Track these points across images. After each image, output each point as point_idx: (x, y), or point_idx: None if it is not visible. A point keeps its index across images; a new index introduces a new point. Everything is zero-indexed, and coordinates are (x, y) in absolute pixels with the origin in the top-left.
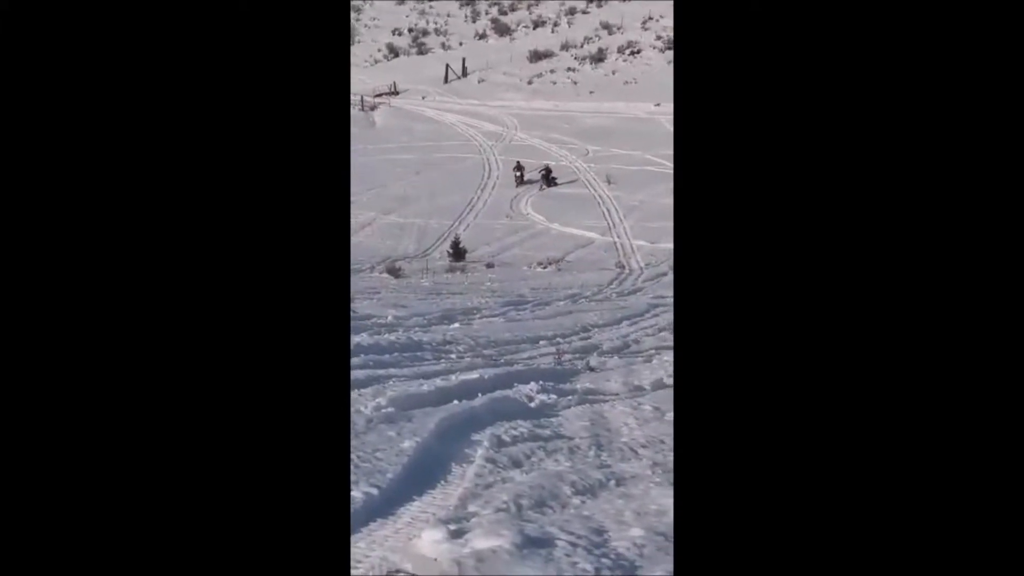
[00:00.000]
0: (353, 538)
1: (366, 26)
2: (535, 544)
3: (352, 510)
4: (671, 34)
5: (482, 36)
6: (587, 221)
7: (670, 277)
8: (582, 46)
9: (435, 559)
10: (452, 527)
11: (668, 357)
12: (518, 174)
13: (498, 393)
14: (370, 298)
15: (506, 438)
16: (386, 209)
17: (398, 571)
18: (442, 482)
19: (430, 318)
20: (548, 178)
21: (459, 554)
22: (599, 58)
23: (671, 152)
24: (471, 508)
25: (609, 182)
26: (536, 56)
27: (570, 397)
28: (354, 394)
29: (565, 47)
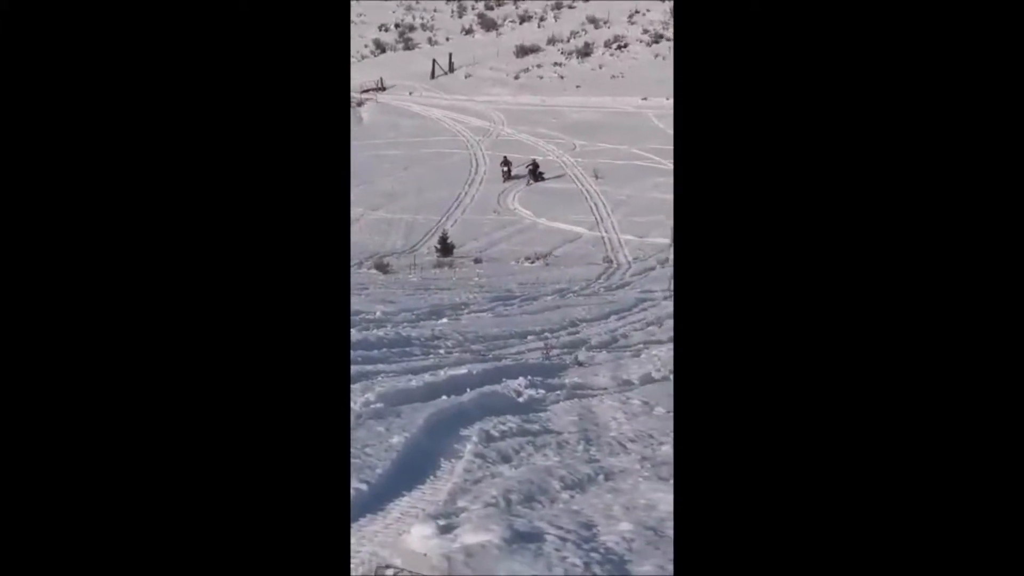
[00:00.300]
0: None
1: (353, 22)
2: (524, 539)
3: None
4: (658, 28)
5: (469, 31)
6: (575, 216)
7: (658, 272)
8: (568, 41)
9: (424, 554)
10: (441, 522)
11: (656, 351)
12: (505, 169)
13: (486, 388)
14: (358, 294)
15: (495, 433)
16: (374, 205)
17: (388, 566)
18: (431, 477)
19: (418, 314)
20: (535, 173)
21: (448, 549)
22: (586, 52)
23: (658, 146)
24: (460, 503)
25: (596, 177)
26: (523, 51)
27: (558, 392)
28: None
29: (552, 42)
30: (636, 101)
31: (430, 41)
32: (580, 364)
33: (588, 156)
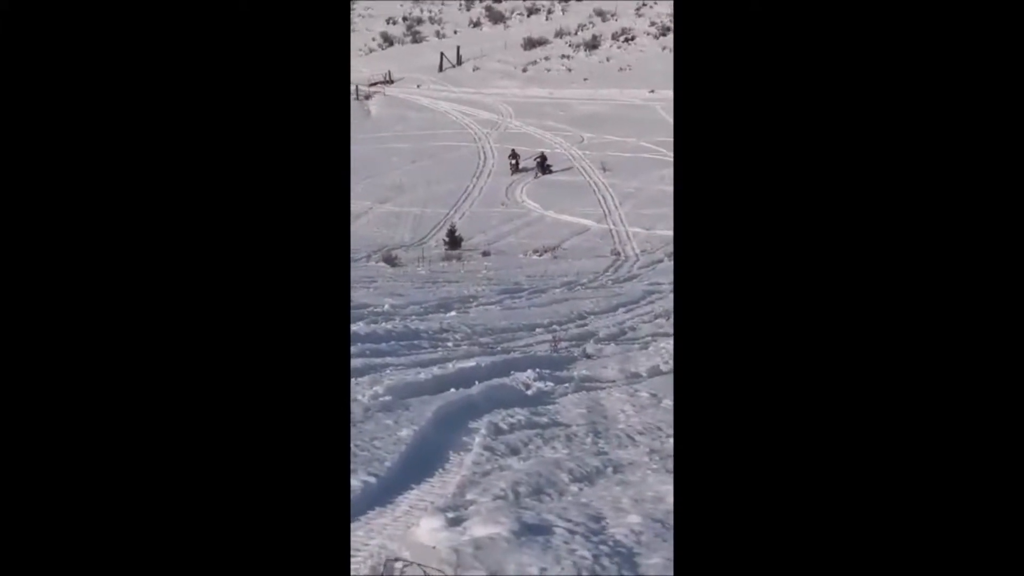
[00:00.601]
0: (352, 526)
1: (360, 15)
2: (533, 531)
3: (351, 498)
4: (665, 20)
5: (476, 24)
6: (582, 208)
7: (666, 264)
8: (576, 33)
9: (433, 547)
10: (450, 515)
11: (664, 344)
12: (513, 162)
13: (495, 381)
14: (367, 287)
15: (503, 426)
16: (382, 198)
17: (396, 559)
18: (440, 470)
19: (427, 306)
20: (543, 166)
21: (457, 542)
22: (593, 45)
23: (666, 139)
24: (469, 496)
25: (604, 169)
26: (530, 44)
27: (567, 384)
28: (352, 383)
29: (559, 34)
30: (643, 94)
31: (438, 34)
32: (588, 357)
33: (596, 149)
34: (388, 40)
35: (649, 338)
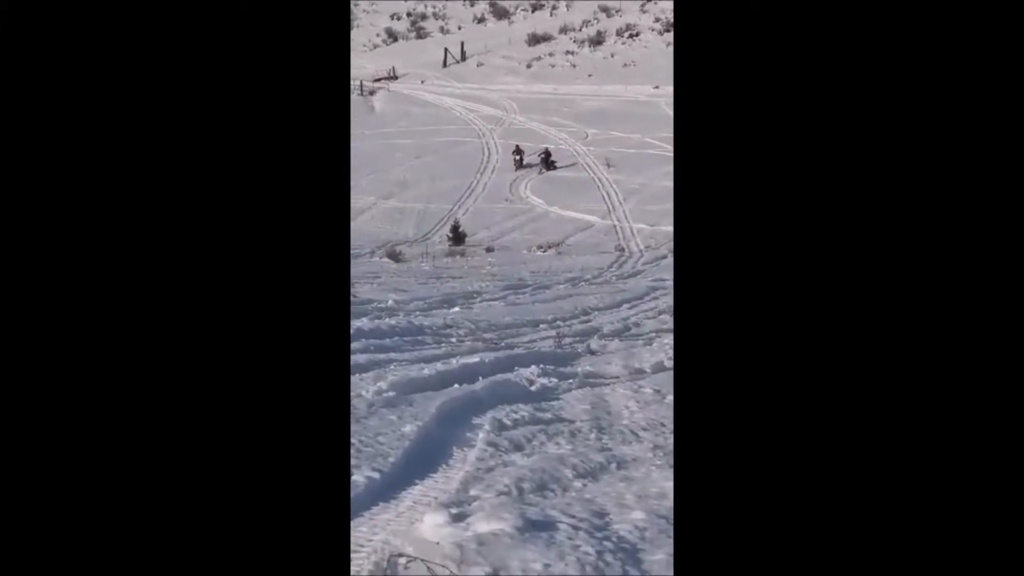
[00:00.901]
0: (355, 522)
1: (365, 11)
2: (537, 527)
3: (354, 494)
4: (669, 17)
5: (480, 20)
6: (587, 204)
7: (670, 260)
8: (581, 29)
9: (437, 543)
10: (454, 511)
11: (668, 340)
12: (517, 158)
13: (499, 377)
14: (371, 283)
15: (507, 421)
16: (386, 194)
17: (400, 555)
18: (444, 466)
19: (430, 302)
20: (547, 161)
21: (461, 538)
22: (598, 41)
23: (670, 135)
24: (473, 492)
25: (608, 165)
26: (535, 39)
27: (571, 380)
28: (355, 378)
29: (564, 30)
30: (648, 89)
31: (442, 30)
32: (592, 352)
33: (600, 144)
34: (392, 36)
35: (653, 334)
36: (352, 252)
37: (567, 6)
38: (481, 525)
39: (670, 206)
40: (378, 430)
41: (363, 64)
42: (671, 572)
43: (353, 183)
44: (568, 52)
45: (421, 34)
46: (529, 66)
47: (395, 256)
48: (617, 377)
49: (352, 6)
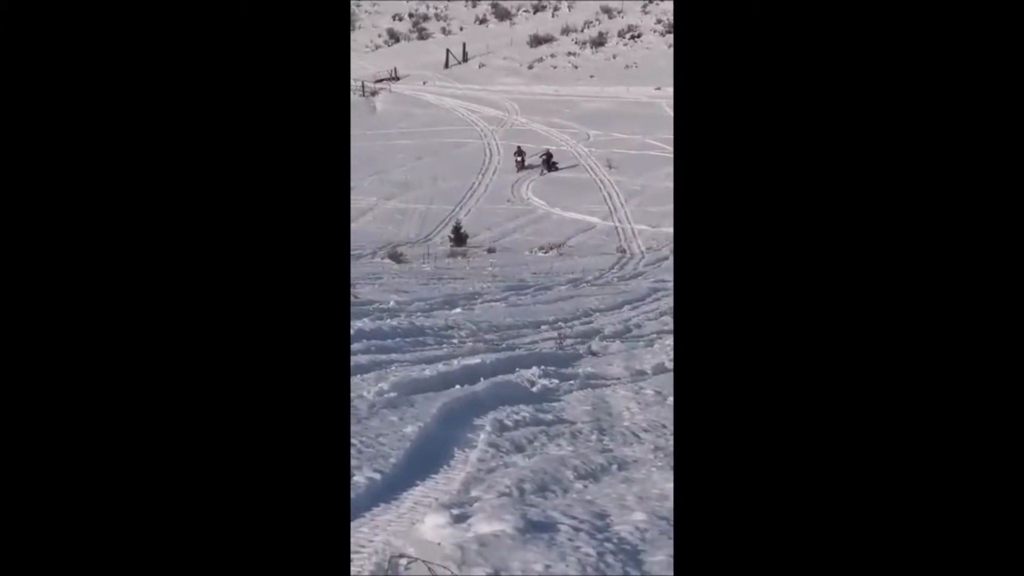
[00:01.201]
0: (356, 523)
1: (367, 12)
2: (538, 528)
3: (355, 495)
4: (671, 17)
5: (482, 21)
6: (588, 206)
7: (671, 261)
8: (582, 30)
9: (438, 543)
10: (455, 512)
11: (670, 341)
12: (519, 159)
13: (500, 378)
14: (372, 283)
15: (508, 423)
16: (387, 195)
17: (401, 556)
18: (445, 467)
19: (432, 303)
20: (549, 163)
21: (462, 539)
22: (599, 42)
23: (672, 136)
24: (474, 493)
25: (610, 166)
26: (536, 40)
27: (572, 382)
28: (357, 379)
29: (565, 31)
30: (649, 91)
31: (444, 31)
32: (594, 354)
33: (602, 146)
34: (394, 37)
35: (654, 335)
36: (353, 253)
37: (569, 7)
38: (482, 526)
39: (671, 207)
40: (379, 431)
41: (365, 65)
42: (672, 573)
43: (355, 184)
44: (570, 53)
45: (423, 35)
46: (531, 67)
47: (396, 257)
48: (618, 378)
49: (354, 7)
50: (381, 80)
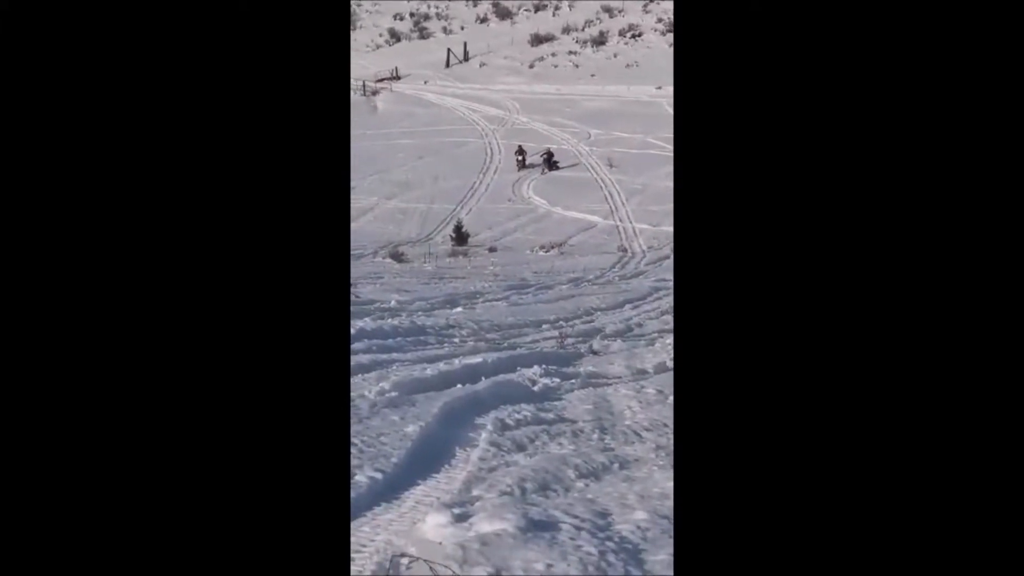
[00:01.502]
0: (357, 522)
1: (368, 11)
2: (539, 528)
3: (356, 494)
4: (672, 17)
5: (483, 20)
6: (589, 205)
7: (672, 260)
8: (583, 29)
9: (439, 543)
10: (456, 511)
11: (671, 340)
12: (520, 158)
13: (501, 377)
14: (373, 283)
15: (510, 422)
16: (388, 194)
17: (402, 555)
18: (446, 466)
19: (433, 302)
20: (550, 162)
21: (463, 538)
22: (600, 41)
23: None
24: (475, 492)
25: (611, 165)
26: (537, 40)
27: (573, 380)
28: (358, 379)
29: (566, 30)
30: (650, 90)
31: (445, 30)
32: (595, 353)
33: (603, 145)
34: (395, 36)
35: (655, 334)
36: (355, 252)
37: (569, 6)
38: (483, 525)
39: (672, 206)
40: (380, 430)
41: (366, 64)
42: (672, 572)
43: (356, 183)
44: (571, 52)
45: (424, 34)
46: (532, 66)
47: (398, 256)
48: (619, 377)
49: (355, 6)
50: (382, 79)
